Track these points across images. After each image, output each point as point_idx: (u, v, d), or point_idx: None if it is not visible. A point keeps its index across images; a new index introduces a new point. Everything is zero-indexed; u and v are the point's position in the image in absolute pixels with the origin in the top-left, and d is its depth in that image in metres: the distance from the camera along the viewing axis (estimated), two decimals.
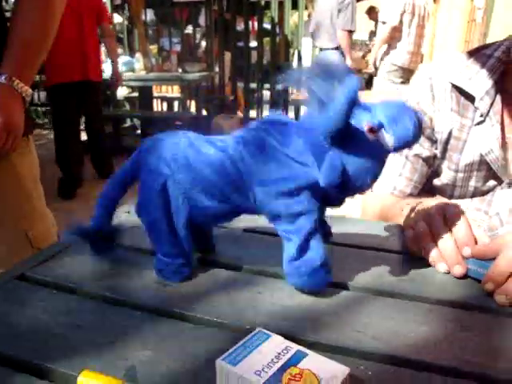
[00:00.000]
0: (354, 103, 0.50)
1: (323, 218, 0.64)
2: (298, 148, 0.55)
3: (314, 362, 0.42)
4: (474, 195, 0.98)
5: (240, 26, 5.94)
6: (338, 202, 0.59)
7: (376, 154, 0.53)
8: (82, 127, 3.87)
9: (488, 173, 0.94)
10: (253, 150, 0.56)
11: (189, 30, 6.45)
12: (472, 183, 0.97)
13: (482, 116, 0.91)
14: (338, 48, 4.47)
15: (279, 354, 0.43)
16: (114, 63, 3.90)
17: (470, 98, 0.92)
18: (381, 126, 0.52)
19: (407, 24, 4.09)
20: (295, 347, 0.44)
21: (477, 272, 0.62)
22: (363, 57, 6.02)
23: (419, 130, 0.53)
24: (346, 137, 0.51)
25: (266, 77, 5.74)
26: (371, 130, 0.52)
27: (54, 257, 0.69)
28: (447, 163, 0.98)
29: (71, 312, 0.56)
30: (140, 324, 0.53)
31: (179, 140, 0.60)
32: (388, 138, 0.52)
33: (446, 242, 0.64)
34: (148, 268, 0.64)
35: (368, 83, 4.74)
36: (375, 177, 0.55)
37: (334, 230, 0.66)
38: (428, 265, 0.66)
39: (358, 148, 0.52)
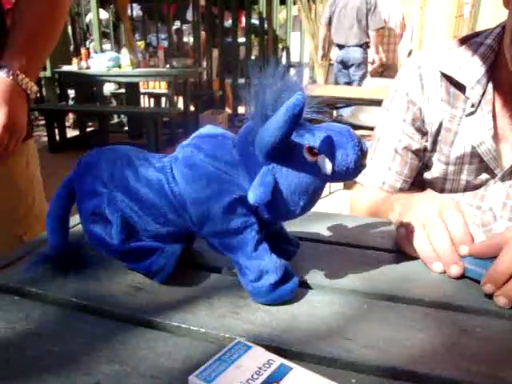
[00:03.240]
0: (296, 121, 0.46)
1: (284, 233, 0.61)
2: (231, 160, 0.52)
3: (299, 377, 0.38)
4: (465, 189, 0.94)
5: (228, 22, 5.88)
6: (271, 222, 0.55)
7: (313, 177, 0.50)
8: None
9: (480, 165, 0.90)
10: (182, 168, 0.53)
11: (176, 25, 6.38)
12: (463, 176, 0.93)
13: (473, 106, 0.87)
14: (361, 46, 4.51)
15: (260, 368, 0.38)
16: None
17: (461, 88, 0.88)
18: (321, 148, 0.49)
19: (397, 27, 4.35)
20: (278, 360, 0.39)
21: (475, 272, 0.58)
22: None
23: (361, 159, 0.50)
24: (283, 154, 0.48)
25: None
26: (310, 151, 0.49)
27: (17, 261, 0.63)
28: (438, 156, 0.94)
29: (31, 320, 0.50)
30: (107, 333, 0.48)
31: (116, 158, 0.56)
32: (327, 164, 0.49)
33: (441, 240, 0.60)
34: (120, 271, 0.59)
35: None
36: (309, 202, 0.51)
37: (318, 226, 0.61)
38: (422, 264, 0.62)
39: (295, 168, 0.49)
